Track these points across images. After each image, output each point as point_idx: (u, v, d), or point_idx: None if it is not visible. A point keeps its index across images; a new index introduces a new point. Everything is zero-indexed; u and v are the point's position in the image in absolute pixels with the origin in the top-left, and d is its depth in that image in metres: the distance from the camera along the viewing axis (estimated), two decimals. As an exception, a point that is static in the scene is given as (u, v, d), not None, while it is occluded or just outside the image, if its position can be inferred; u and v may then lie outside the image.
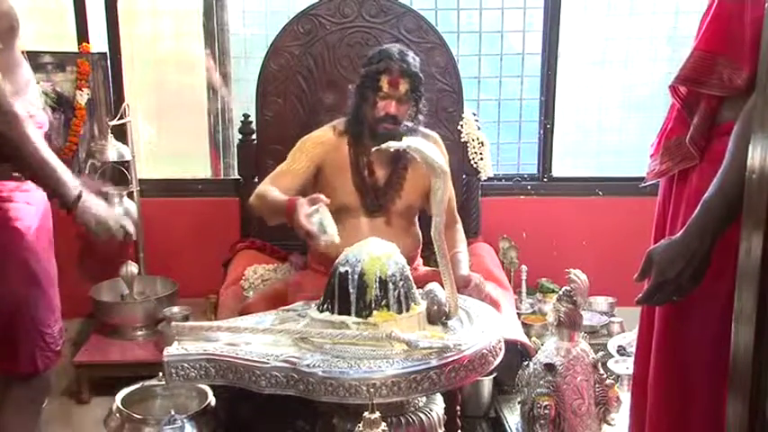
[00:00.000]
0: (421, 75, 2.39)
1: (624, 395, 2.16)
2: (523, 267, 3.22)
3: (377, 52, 2.42)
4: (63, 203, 1.79)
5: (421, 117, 2.45)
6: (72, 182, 1.79)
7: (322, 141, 2.44)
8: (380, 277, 1.76)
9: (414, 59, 2.39)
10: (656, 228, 1.70)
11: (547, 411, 2.10)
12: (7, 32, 1.78)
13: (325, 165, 2.42)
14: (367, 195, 2.41)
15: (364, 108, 2.38)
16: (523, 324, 2.86)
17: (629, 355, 2.70)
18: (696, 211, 1.38)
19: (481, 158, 3.11)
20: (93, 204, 1.84)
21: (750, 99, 1.35)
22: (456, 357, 1.68)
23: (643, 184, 1.75)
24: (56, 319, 2.02)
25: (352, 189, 2.40)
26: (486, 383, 2.51)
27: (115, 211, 1.93)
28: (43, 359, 1.99)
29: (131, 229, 1.93)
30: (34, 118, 1.86)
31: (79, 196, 1.79)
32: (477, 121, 3.14)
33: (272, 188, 2.28)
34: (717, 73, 1.46)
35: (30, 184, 1.88)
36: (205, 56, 3.40)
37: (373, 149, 2.36)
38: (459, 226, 2.61)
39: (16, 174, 1.85)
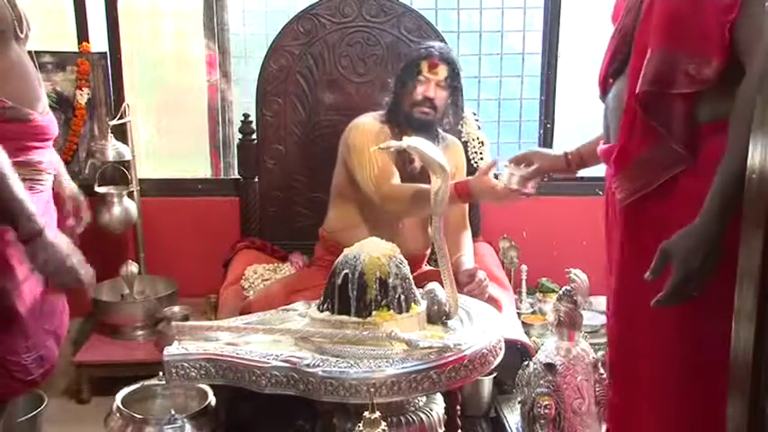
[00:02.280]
0: (459, 64, 2.52)
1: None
2: (523, 267, 3.22)
3: (415, 46, 2.65)
4: (19, 234, 1.65)
5: (460, 110, 2.59)
6: (35, 215, 1.65)
7: (376, 130, 2.51)
8: (380, 277, 1.76)
9: (453, 52, 2.57)
10: (621, 249, 1.65)
11: (547, 411, 2.10)
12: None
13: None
14: (406, 179, 2.48)
15: (403, 96, 2.50)
16: (523, 324, 2.86)
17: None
18: (710, 197, 1.36)
19: (481, 158, 3.12)
20: (52, 246, 1.68)
21: (743, 81, 1.34)
22: (456, 357, 1.68)
23: (624, 204, 1.63)
24: (30, 346, 1.83)
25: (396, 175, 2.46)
26: (487, 383, 2.51)
27: (72, 261, 1.72)
28: (3, 388, 1.83)
29: (86, 279, 1.76)
30: (30, 123, 1.77)
31: (40, 232, 1.65)
32: (477, 120, 3.14)
33: (400, 185, 2.40)
34: (681, 70, 1.43)
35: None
36: (207, 51, 3.41)
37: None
38: (469, 233, 2.63)
39: None
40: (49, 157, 1.88)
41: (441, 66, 2.46)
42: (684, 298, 1.41)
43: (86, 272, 1.76)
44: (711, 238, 1.36)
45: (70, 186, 2.13)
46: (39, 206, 1.76)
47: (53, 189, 2.00)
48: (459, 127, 3.08)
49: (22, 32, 1.77)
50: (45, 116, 1.84)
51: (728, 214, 1.34)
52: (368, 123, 2.55)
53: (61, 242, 1.72)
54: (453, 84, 2.50)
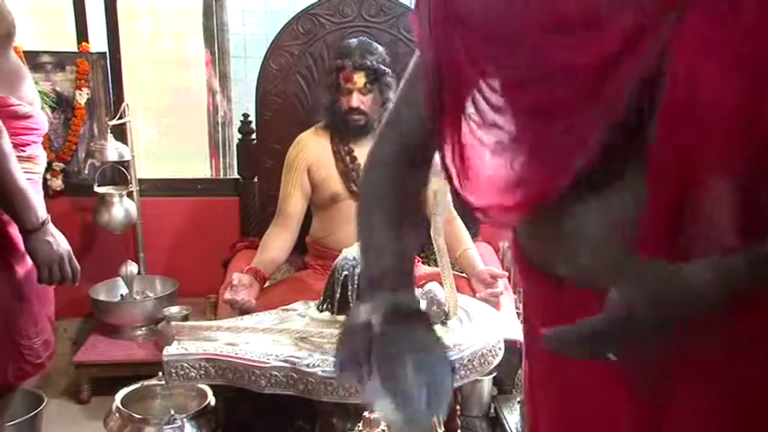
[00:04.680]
0: (378, 66, 2.47)
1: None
2: (523, 267, 3.22)
3: (337, 48, 2.57)
4: (23, 226, 1.73)
5: (385, 105, 2.50)
6: (37, 207, 1.74)
7: (300, 144, 2.61)
8: (380, 277, 1.76)
9: (373, 52, 2.48)
10: None
11: (546, 411, 2.10)
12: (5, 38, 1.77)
13: (310, 161, 2.57)
14: (351, 180, 2.52)
15: (333, 104, 2.53)
16: (523, 324, 2.86)
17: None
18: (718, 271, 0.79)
19: (481, 158, 3.11)
20: (54, 238, 1.76)
21: None
22: (455, 357, 1.68)
23: None
24: (38, 330, 1.91)
25: (337, 176, 2.53)
26: (486, 383, 2.51)
27: (66, 257, 1.79)
28: (15, 372, 1.88)
29: (74, 275, 1.82)
30: (32, 119, 1.85)
31: (43, 224, 1.74)
32: (476, 120, 3.13)
33: (270, 235, 2.55)
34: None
35: None
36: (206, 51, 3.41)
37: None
38: (459, 221, 2.65)
39: None
40: (41, 152, 1.95)
41: (356, 75, 2.44)
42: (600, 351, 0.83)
43: (75, 269, 1.82)
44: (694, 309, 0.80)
45: None
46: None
47: None
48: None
49: (15, 34, 1.84)
50: (41, 112, 1.92)
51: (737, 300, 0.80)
52: (302, 140, 2.63)
53: (60, 236, 1.78)
54: (377, 83, 2.47)
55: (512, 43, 0.86)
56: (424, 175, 1.15)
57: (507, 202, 0.96)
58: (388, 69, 2.50)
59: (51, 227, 1.77)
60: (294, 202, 2.56)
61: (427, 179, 1.15)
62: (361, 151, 2.56)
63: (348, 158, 2.55)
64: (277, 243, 2.53)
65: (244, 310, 2.26)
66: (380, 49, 2.54)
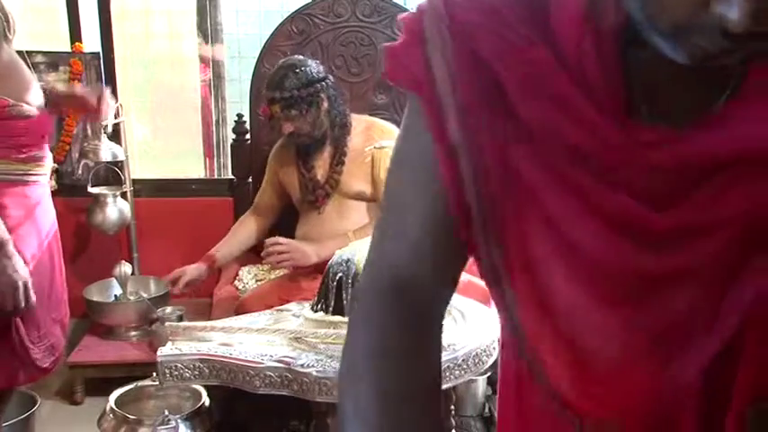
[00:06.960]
0: (291, 94, 2.37)
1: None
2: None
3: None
4: None
5: (322, 117, 2.46)
6: (2, 225, 1.71)
7: (274, 149, 2.75)
8: (374, 277, 1.77)
9: (287, 81, 2.39)
10: None
11: (541, 410, 2.10)
12: None
13: (279, 166, 2.69)
14: (308, 190, 2.58)
15: (280, 128, 2.53)
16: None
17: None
18: None
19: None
20: (11, 262, 1.71)
21: None
22: (450, 356, 1.69)
23: None
24: (42, 334, 1.90)
25: (297, 184, 2.62)
26: (481, 383, 2.52)
27: (21, 286, 1.74)
28: (17, 376, 1.89)
29: (27, 304, 1.77)
30: (33, 119, 1.84)
31: (3, 244, 1.70)
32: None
33: (239, 223, 2.75)
34: None
35: (21, 189, 1.85)
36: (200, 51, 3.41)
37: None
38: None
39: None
40: (46, 153, 1.93)
41: (274, 108, 2.42)
42: None
43: (29, 299, 1.76)
44: None
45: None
46: (44, 201, 1.82)
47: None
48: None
49: (10, 32, 1.82)
50: (44, 112, 1.91)
51: None
52: (279, 145, 2.73)
53: (19, 263, 1.73)
54: (296, 107, 2.39)
55: None
56: (437, 357, 0.69)
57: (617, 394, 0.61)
58: (302, 93, 2.39)
59: (10, 250, 1.71)
60: (264, 195, 2.73)
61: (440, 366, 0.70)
62: (319, 162, 2.58)
63: (304, 169, 2.58)
64: (240, 229, 2.72)
65: (192, 283, 2.50)
66: (300, 71, 2.41)
